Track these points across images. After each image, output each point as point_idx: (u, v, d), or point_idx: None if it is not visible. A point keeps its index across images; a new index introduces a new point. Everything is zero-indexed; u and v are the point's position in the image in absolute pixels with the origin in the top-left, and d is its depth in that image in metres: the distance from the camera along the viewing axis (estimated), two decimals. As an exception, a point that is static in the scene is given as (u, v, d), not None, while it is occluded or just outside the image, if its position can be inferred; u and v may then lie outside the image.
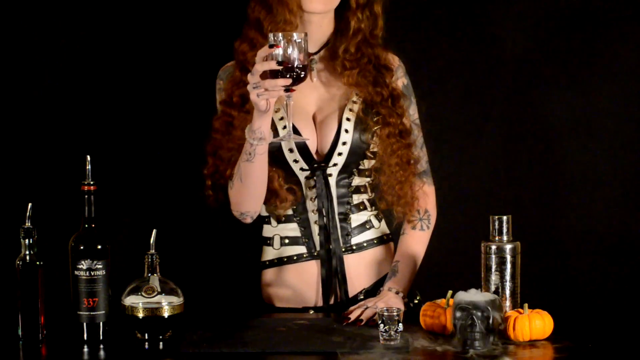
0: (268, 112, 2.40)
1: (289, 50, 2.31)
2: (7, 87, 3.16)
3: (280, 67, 2.31)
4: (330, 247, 2.64)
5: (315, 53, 2.67)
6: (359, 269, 2.68)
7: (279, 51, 2.30)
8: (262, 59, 2.33)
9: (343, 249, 2.66)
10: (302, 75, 2.32)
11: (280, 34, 2.31)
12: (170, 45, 3.17)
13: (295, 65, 2.31)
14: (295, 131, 2.58)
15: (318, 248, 2.66)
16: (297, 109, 2.61)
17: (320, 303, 2.67)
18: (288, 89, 2.33)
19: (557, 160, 3.25)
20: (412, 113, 2.69)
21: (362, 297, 2.67)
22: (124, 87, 3.17)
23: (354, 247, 2.68)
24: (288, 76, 2.31)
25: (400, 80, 2.69)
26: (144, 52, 3.17)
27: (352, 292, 2.67)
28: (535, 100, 3.24)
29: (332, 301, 2.66)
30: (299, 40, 2.31)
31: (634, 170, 3.24)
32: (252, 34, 2.62)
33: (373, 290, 2.67)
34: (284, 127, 2.60)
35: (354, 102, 2.64)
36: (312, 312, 2.66)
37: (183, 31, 3.17)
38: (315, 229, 2.66)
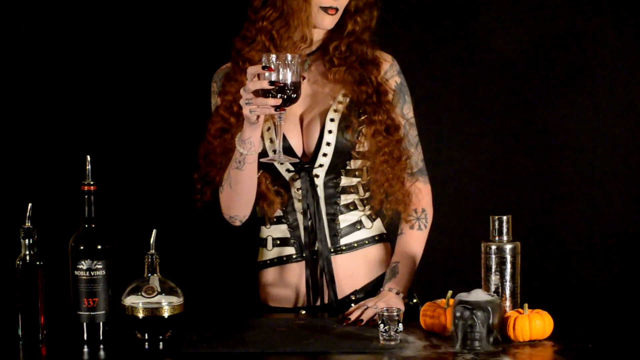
0: (258, 123, 2.43)
1: (282, 72, 2.33)
2: (7, 87, 3.16)
3: (271, 87, 2.34)
4: (316, 248, 2.65)
5: (309, 55, 2.67)
6: (349, 270, 2.68)
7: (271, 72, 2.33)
8: (253, 75, 2.35)
9: (332, 250, 2.66)
10: (293, 97, 2.35)
11: (273, 56, 2.33)
12: (169, 45, 3.17)
13: (287, 87, 2.33)
14: (284, 139, 2.60)
15: (304, 249, 2.66)
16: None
17: (311, 304, 2.67)
18: (278, 109, 2.36)
19: (557, 160, 3.25)
20: (407, 112, 2.69)
21: (353, 297, 2.67)
22: (123, 87, 3.17)
23: (344, 248, 2.67)
24: (279, 97, 2.34)
25: (393, 79, 2.69)
26: (144, 53, 3.17)
27: (342, 293, 2.67)
28: (535, 100, 3.24)
29: (319, 302, 2.66)
30: (293, 62, 2.33)
31: (634, 171, 3.24)
32: (263, 40, 2.61)
33: (367, 290, 2.67)
34: (270, 140, 2.61)
35: (340, 103, 2.64)
36: (303, 312, 2.66)
37: (182, 31, 3.17)
38: (302, 230, 2.66)
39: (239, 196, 2.59)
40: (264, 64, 2.33)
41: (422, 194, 2.69)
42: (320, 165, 2.63)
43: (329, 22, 2.60)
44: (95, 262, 2.34)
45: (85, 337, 2.35)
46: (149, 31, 3.17)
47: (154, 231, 2.37)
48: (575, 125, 3.24)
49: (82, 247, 2.34)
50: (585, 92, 3.23)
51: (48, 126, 3.17)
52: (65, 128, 3.16)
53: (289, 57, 2.33)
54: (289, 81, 2.33)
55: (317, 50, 2.68)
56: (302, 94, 2.57)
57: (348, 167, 2.66)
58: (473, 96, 3.25)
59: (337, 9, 2.59)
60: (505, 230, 2.41)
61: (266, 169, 2.64)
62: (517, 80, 3.24)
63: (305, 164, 2.63)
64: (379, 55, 2.68)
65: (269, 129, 2.62)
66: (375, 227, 2.72)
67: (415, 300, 2.67)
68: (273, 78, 2.33)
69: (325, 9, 2.58)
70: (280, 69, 2.32)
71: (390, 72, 2.68)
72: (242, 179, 2.54)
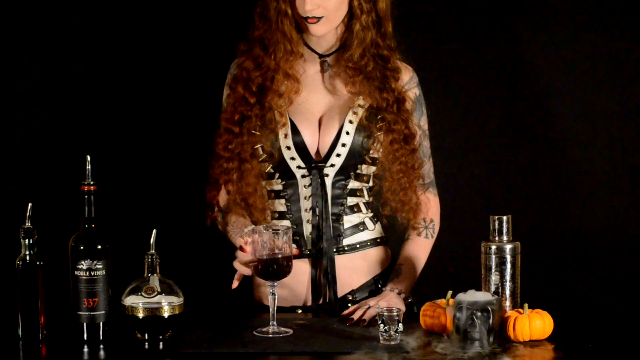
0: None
1: (265, 248, 2.37)
2: (7, 87, 3.16)
3: (253, 264, 2.39)
4: (322, 246, 2.65)
5: (329, 55, 2.68)
6: (349, 270, 2.68)
7: (260, 247, 2.37)
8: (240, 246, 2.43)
9: (334, 250, 2.66)
10: (275, 273, 2.38)
11: (264, 231, 2.36)
12: (170, 45, 3.17)
13: (270, 263, 2.37)
14: (297, 134, 2.60)
15: (309, 247, 2.66)
16: (304, 108, 2.65)
17: (309, 302, 2.67)
18: (271, 279, 2.39)
19: (557, 161, 3.25)
20: (423, 124, 2.70)
21: (350, 297, 2.67)
22: (124, 87, 3.17)
23: (346, 248, 2.68)
24: (262, 270, 2.38)
25: (413, 91, 2.69)
26: (144, 52, 3.17)
27: (340, 291, 2.67)
28: (535, 100, 3.24)
29: (320, 301, 2.66)
30: (284, 237, 2.37)
31: (634, 170, 3.24)
32: (258, 51, 2.63)
33: (361, 290, 2.68)
34: (285, 136, 2.62)
35: (360, 106, 2.64)
36: (300, 311, 2.66)
37: (184, 30, 3.17)
38: (307, 228, 2.66)
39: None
40: (249, 238, 2.40)
41: (431, 204, 2.72)
42: (332, 165, 2.64)
43: (314, 30, 2.59)
44: (95, 262, 2.34)
45: (85, 337, 2.34)
46: (150, 30, 3.17)
47: (154, 231, 2.37)
48: (576, 126, 3.24)
49: (82, 247, 2.34)
50: (586, 94, 3.23)
51: (48, 126, 3.17)
52: (65, 128, 3.16)
53: (280, 233, 2.37)
54: (278, 257, 2.37)
55: (338, 50, 2.68)
56: (323, 96, 2.65)
57: (358, 171, 2.66)
58: (474, 96, 3.25)
59: (318, 18, 2.57)
60: (505, 230, 2.41)
61: (277, 164, 2.64)
62: (517, 80, 3.24)
63: (317, 163, 2.63)
64: (400, 65, 2.68)
65: (284, 124, 2.62)
66: (377, 230, 2.73)
67: (410, 300, 2.67)
68: (259, 255, 2.37)
69: (305, 19, 2.58)
70: (264, 245, 2.37)
71: (410, 83, 2.69)
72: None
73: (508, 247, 2.40)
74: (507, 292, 2.40)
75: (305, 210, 2.66)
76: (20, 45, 3.14)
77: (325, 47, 2.67)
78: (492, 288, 2.40)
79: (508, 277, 2.40)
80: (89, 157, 2.39)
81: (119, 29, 3.17)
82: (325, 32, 2.61)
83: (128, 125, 3.18)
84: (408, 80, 2.69)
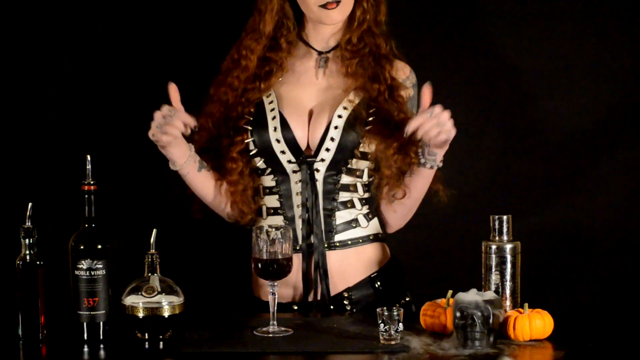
0: (167, 146, 2.61)
1: (266, 246, 2.38)
2: (7, 87, 3.16)
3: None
4: (311, 242, 2.65)
5: (327, 52, 2.69)
6: (342, 267, 2.68)
7: (262, 246, 2.37)
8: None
9: (326, 245, 2.66)
10: (278, 273, 2.38)
11: (265, 238, 2.36)
12: (170, 45, 3.17)
13: (273, 263, 2.37)
14: (288, 130, 2.62)
15: (300, 242, 2.66)
16: (294, 102, 2.66)
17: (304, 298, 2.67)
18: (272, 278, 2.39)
19: (557, 160, 3.25)
20: None
21: (346, 295, 2.67)
22: (124, 87, 3.17)
23: (337, 244, 2.68)
24: (266, 271, 2.39)
25: (407, 91, 2.70)
26: (145, 52, 3.17)
27: (334, 289, 2.67)
28: (536, 100, 3.24)
29: (311, 297, 2.66)
30: (282, 239, 2.37)
31: (635, 171, 3.24)
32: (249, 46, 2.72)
33: (357, 289, 2.67)
34: (273, 118, 2.63)
35: (350, 101, 2.65)
36: (295, 307, 2.66)
37: (184, 30, 3.17)
38: (299, 223, 2.66)
39: (199, 196, 2.74)
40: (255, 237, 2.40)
41: None
42: (322, 160, 2.64)
43: (333, 17, 2.61)
44: (95, 261, 2.34)
45: (85, 337, 2.35)
46: (149, 30, 3.17)
47: (154, 231, 2.38)
48: (576, 126, 3.24)
49: (82, 247, 2.34)
50: (586, 93, 3.23)
51: (48, 126, 3.17)
52: (65, 128, 3.16)
53: (280, 233, 2.37)
54: (278, 257, 2.37)
55: (335, 47, 2.70)
56: (314, 90, 2.67)
57: (350, 166, 2.67)
58: (474, 96, 3.25)
59: (337, 2, 2.59)
60: (505, 230, 2.41)
61: (268, 158, 2.65)
62: (517, 80, 3.24)
63: (307, 157, 2.64)
64: (398, 62, 2.70)
65: (274, 117, 2.63)
66: (371, 227, 2.72)
67: (407, 299, 2.67)
68: (260, 252, 2.37)
69: (324, 6, 2.59)
70: (264, 245, 2.38)
71: (406, 82, 2.70)
72: (190, 185, 2.72)
73: (508, 246, 2.40)
74: (507, 291, 2.40)
75: (297, 206, 2.66)
76: (20, 45, 3.14)
77: (325, 44, 2.69)
78: (492, 288, 2.40)
79: (508, 277, 2.40)
80: (89, 157, 2.39)
81: (119, 29, 3.17)
82: (341, 20, 2.64)
83: (128, 125, 3.18)
84: (405, 78, 2.70)
